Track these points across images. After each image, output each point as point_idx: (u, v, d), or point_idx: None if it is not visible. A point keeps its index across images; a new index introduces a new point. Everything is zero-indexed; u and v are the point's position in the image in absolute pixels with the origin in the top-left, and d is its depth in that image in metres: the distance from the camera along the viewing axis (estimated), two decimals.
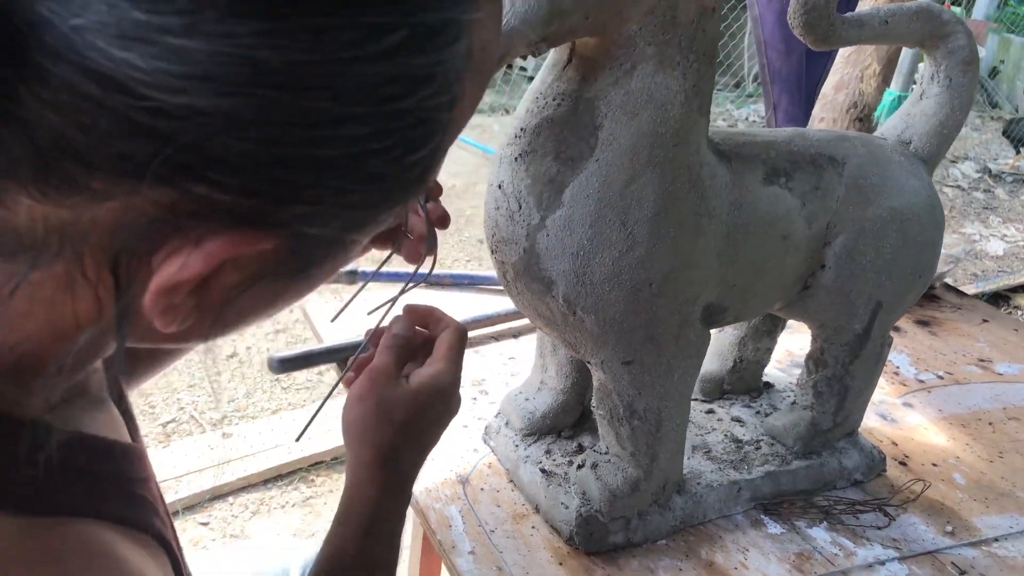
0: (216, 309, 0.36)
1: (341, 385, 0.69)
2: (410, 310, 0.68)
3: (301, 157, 0.31)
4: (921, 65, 1.48)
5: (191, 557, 0.55)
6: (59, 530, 0.38)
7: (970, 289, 3.15)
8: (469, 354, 0.67)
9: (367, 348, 0.68)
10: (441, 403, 0.65)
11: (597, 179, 0.68)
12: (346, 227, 0.37)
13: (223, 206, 0.32)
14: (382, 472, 0.62)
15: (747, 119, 6.03)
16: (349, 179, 0.34)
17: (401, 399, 0.63)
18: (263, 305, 0.40)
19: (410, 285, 0.68)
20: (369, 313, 0.71)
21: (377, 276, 0.77)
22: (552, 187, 0.69)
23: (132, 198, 0.31)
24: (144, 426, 2.12)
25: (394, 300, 0.67)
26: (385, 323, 0.68)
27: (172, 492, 1.91)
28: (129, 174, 0.30)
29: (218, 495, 1.99)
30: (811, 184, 0.80)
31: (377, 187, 0.36)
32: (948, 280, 1.57)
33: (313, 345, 1.10)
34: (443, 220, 0.67)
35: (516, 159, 0.70)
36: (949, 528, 0.90)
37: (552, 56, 0.70)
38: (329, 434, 2.13)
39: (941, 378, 1.23)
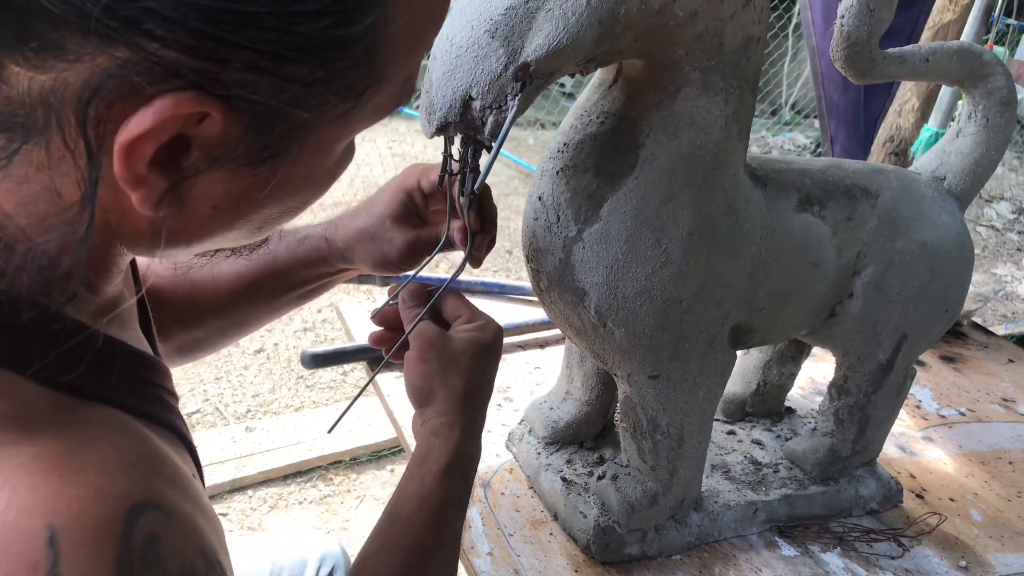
0: (183, 187, 0.39)
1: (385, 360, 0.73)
2: (413, 287, 0.72)
3: (229, 11, 0.33)
4: (960, 103, 1.49)
5: None
6: (88, 407, 0.41)
7: (999, 330, 3.12)
8: None
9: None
10: (491, 353, 0.69)
11: (635, 196, 0.69)
12: (292, 103, 0.38)
13: (169, 64, 0.34)
14: (461, 415, 0.66)
15: (782, 147, 6.02)
16: (282, 44, 0.35)
17: (460, 349, 0.67)
18: (232, 199, 0.42)
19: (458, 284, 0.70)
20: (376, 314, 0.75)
21: (408, 279, 0.79)
22: (591, 201, 0.71)
23: (96, 59, 0.34)
24: None
25: (428, 306, 0.70)
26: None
27: None
28: (83, 28, 0.32)
29: (238, 487, 2.02)
30: (844, 214, 0.81)
31: (317, 60, 0.37)
32: (976, 319, 1.57)
33: (346, 343, 1.13)
34: (490, 244, 0.71)
35: (557, 173, 0.72)
36: (963, 563, 0.90)
37: (598, 75, 0.73)
38: (350, 434, 2.16)
39: (963, 415, 1.23)
